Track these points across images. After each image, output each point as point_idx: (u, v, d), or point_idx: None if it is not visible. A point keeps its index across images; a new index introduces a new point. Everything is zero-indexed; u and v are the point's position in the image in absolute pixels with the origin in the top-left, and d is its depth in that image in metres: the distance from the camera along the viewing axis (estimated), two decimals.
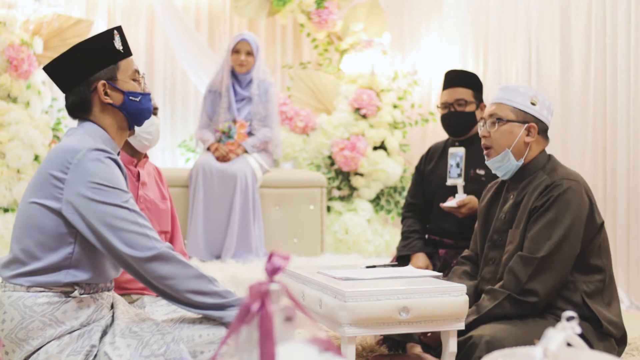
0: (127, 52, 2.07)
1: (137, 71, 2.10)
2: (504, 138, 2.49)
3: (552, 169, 2.48)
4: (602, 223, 2.45)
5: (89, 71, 2.01)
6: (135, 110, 2.06)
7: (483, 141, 2.55)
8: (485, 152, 2.56)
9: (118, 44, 2.04)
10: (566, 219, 2.35)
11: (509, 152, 2.48)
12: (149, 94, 2.11)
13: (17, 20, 4.75)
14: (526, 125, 2.48)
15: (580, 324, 2.29)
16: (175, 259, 1.89)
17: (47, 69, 2.06)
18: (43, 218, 1.91)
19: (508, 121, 2.48)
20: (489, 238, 2.59)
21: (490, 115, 2.53)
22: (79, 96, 2.02)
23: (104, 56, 2.02)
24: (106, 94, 2.02)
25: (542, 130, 2.52)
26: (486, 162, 2.57)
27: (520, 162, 2.50)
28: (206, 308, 1.92)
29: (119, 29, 2.07)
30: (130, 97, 2.04)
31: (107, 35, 2.04)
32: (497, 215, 2.59)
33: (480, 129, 2.58)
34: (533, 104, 2.49)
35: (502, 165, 2.51)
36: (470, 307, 2.38)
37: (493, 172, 2.60)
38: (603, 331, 2.38)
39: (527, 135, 2.48)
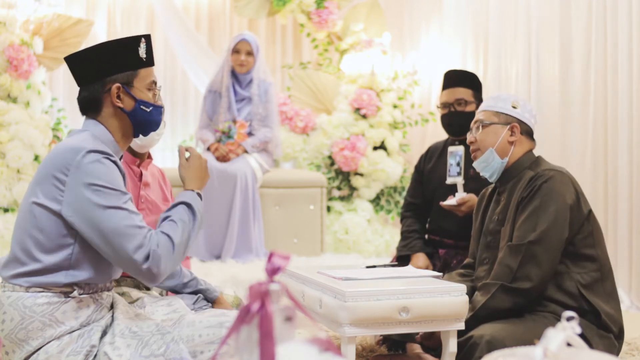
0: (149, 62, 2.07)
1: (154, 82, 2.10)
2: (488, 138, 2.58)
3: (537, 164, 2.56)
4: (590, 211, 2.48)
5: (107, 71, 2.01)
6: (144, 120, 2.06)
7: (471, 147, 2.64)
8: (472, 155, 2.64)
9: (142, 52, 2.04)
10: (551, 206, 2.40)
11: (492, 151, 2.56)
12: (160, 107, 2.11)
13: (17, 20, 4.75)
14: (509, 125, 2.57)
15: (581, 323, 2.30)
16: (163, 256, 1.90)
17: (68, 59, 2.05)
18: (43, 219, 1.91)
19: (491, 124, 2.58)
20: (483, 239, 2.63)
21: (475, 122, 2.64)
22: (92, 94, 2.02)
23: (125, 60, 2.02)
24: (119, 97, 2.02)
25: (526, 131, 2.60)
26: (473, 164, 2.65)
27: (505, 161, 2.57)
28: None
29: (147, 37, 2.07)
30: (142, 106, 2.04)
31: (134, 41, 2.04)
32: (489, 217, 2.62)
33: (469, 137, 2.66)
34: (514, 107, 2.59)
35: (488, 165, 2.58)
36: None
37: (481, 174, 2.65)
38: (601, 324, 2.37)
39: (511, 135, 2.57)
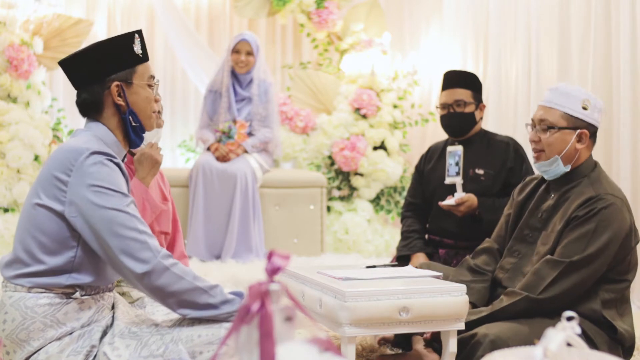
0: (145, 57, 2.06)
1: (152, 77, 2.09)
2: (556, 144, 2.44)
3: (597, 179, 2.44)
4: (637, 242, 2.43)
5: (106, 71, 2.00)
6: (135, 127, 2.06)
7: (533, 145, 2.51)
8: (535, 154, 2.52)
9: (137, 48, 2.03)
10: (604, 235, 2.33)
11: (558, 159, 2.45)
12: (145, 130, 2.10)
13: (17, 20, 4.75)
14: (578, 131, 2.43)
15: (592, 330, 2.29)
16: (168, 271, 1.85)
17: (62, 63, 2.04)
18: (46, 220, 1.90)
19: (560, 129, 2.44)
20: (519, 231, 2.57)
21: (541, 121, 2.47)
22: (92, 95, 2.01)
23: (122, 58, 2.01)
24: (119, 95, 2.01)
25: (593, 133, 2.47)
26: (534, 164, 2.55)
27: (568, 168, 2.47)
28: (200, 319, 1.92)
29: (139, 32, 2.06)
30: (131, 117, 2.03)
31: (128, 38, 2.02)
32: (532, 210, 2.56)
33: (529, 131, 2.54)
34: (585, 108, 2.44)
35: (550, 169, 2.48)
36: (472, 303, 2.38)
37: (539, 173, 2.57)
38: (616, 337, 2.36)
39: (579, 141, 2.44)
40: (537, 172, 2.58)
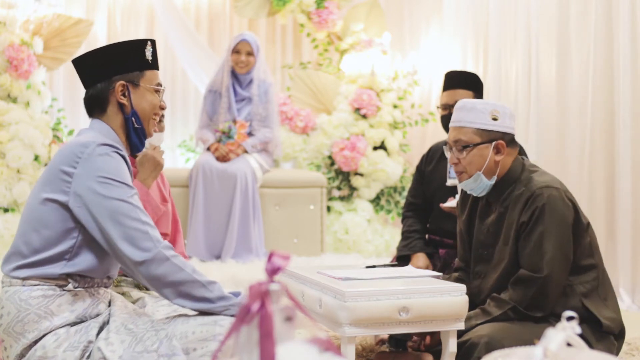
0: (154, 65, 2.11)
1: (160, 84, 2.14)
2: (474, 161, 2.44)
3: (528, 178, 2.44)
4: (588, 223, 2.45)
5: (114, 71, 2.05)
6: (137, 129, 2.09)
7: (454, 168, 2.51)
8: (457, 175, 2.52)
9: (149, 54, 2.09)
10: (555, 229, 2.35)
11: (480, 174, 2.45)
12: (147, 136, 2.13)
13: (17, 20, 4.75)
14: (493, 143, 2.43)
15: (581, 326, 2.30)
16: (168, 262, 1.90)
17: (75, 61, 2.09)
18: (50, 212, 1.94)
19: (475, 145, 2.43)
20: (474, 252, 2.57)
21: (456, 142, 2.47)
22: (98, 92, 2.06)
23: (132, 61, 2.06)
24: (123, 95, 2.05)
25: (510, 141, 2.47)
26: (459, 184, 2.54)
27: (493, 180, 2.46)
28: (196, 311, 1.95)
29: (152, 41, 2.12)
30: (133, 118, 2.07)
31: (141, 43, 2.08)
32: (478, 228, 2.56)
33: (447, 154, 2.53)
34: (495, 119, 2.43)
35: (476, 186, 2.48)
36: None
37: (468, 192, 2.56)
38: (603, 330, 2.38)
39: (497, 153, 2.44)
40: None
